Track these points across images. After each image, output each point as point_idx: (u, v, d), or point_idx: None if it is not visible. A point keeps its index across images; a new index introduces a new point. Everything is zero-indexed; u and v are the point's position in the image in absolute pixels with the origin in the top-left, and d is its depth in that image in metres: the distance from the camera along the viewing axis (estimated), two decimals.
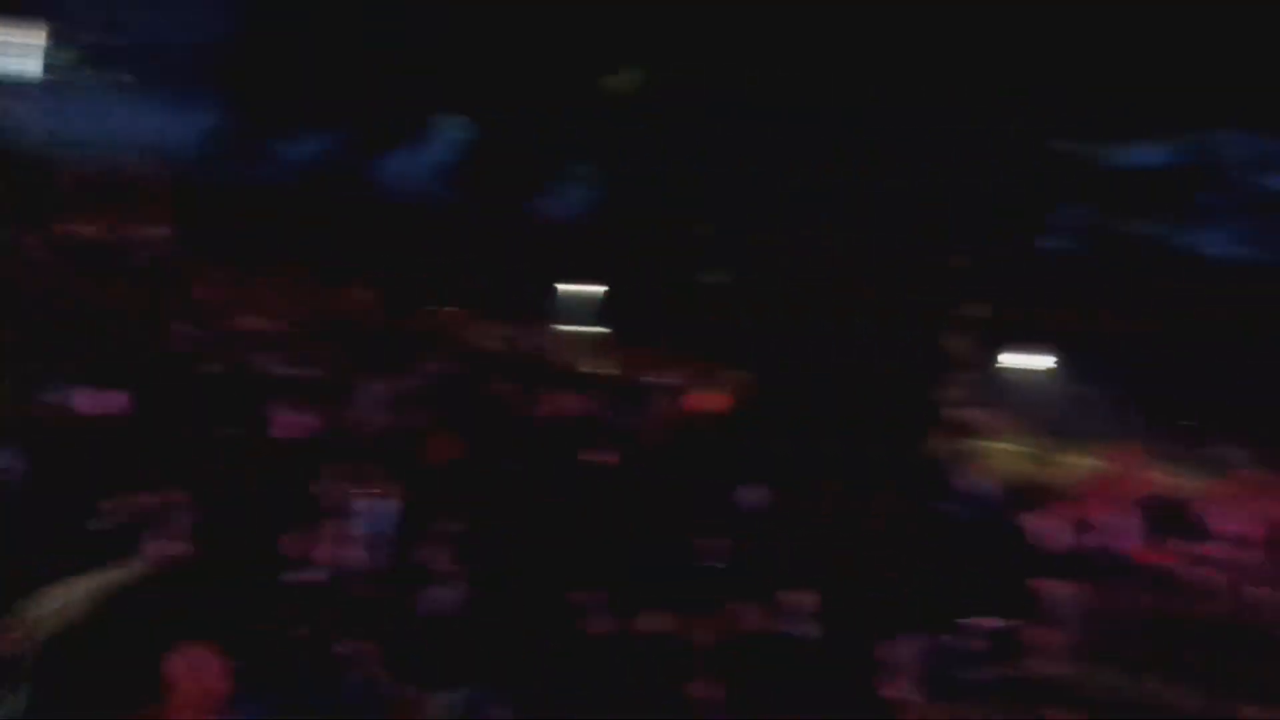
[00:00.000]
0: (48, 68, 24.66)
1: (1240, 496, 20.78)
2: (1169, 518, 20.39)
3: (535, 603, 11.51)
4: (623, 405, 17.04)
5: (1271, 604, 16.12)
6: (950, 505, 17.39)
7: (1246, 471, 20.89)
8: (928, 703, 13.91)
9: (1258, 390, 6.90)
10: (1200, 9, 6.04)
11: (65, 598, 7.23)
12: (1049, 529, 17.73)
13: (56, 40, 24.86)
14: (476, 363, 19.68)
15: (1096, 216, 6.95)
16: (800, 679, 11.39)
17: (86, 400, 14.64)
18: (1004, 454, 24.54)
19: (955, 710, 14.00)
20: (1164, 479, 21.31)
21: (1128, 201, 6.97)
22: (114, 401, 14.73)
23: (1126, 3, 6.18)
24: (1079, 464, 23.45)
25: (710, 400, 16.91)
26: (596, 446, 15.43)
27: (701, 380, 17.55)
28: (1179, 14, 5.97)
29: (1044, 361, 30.13)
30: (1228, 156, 6.86)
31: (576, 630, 11.33)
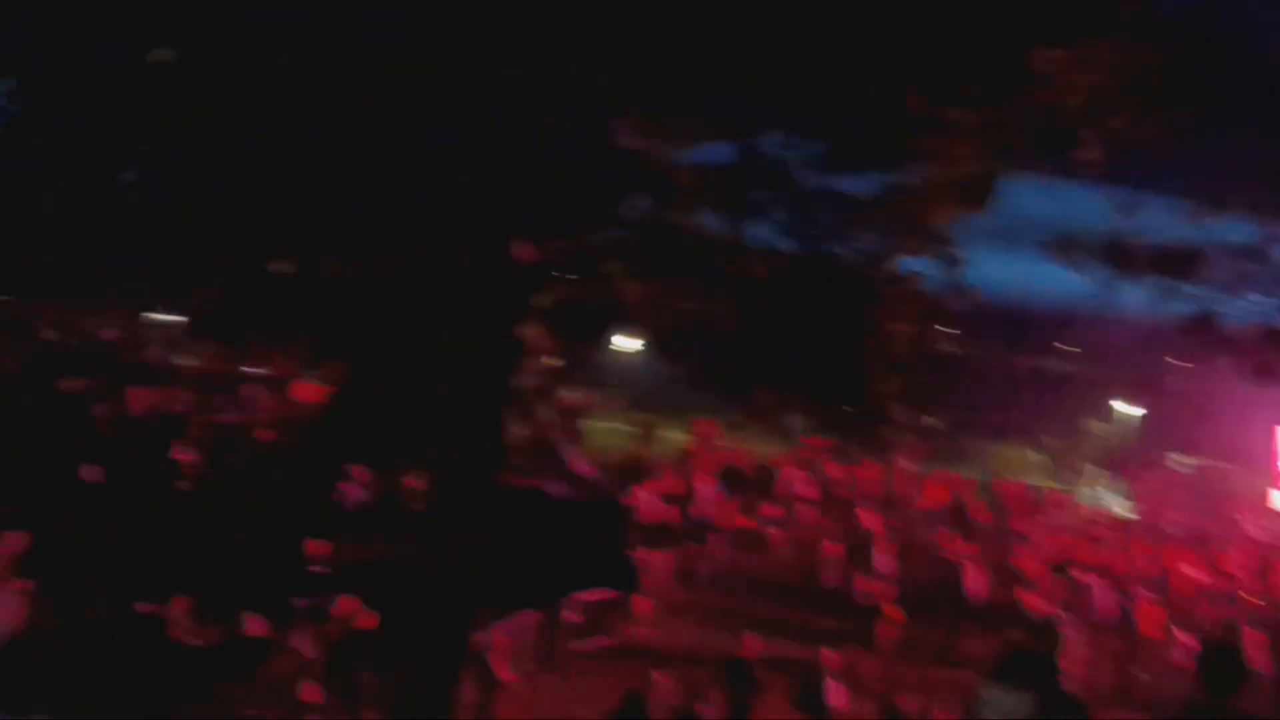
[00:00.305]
0: None
1: (805, 462, 23.11)
2: (747, 484, 22.33)
3: (117, 612, 10.74)
4: (217, 399, 16.22)
5: (835, 557, 17.99)
6: (550, 484, 17.97)
7: (810, 439, 23.26)
8: (530, 676, 14.43)
9: (815, 365, 7.82)
10: (757, 19, 6.71)
11: None
12: (643, 501, 18.78)
13: None
14: (46, 356, 17.91)
15: (660, 209, 7.55)
16: (401, 669, 11.44)
17: None
18: (599, 431, 25.74)
19: (559, 681, 14.64)
20: (741, 449, 23.25)
21: (691, 196, 7.66)
22: None
23: (688, 6, 6.73)
24: (668, 439, 25.07)
25: (310, 391, 16.44)
26: (188, 444, 14.56)
27: (302, 371, 17.00)
28: (733, 21, 6.61)
29: (634, 343, 31.75)
30: (775, 157, 7.70)
31: (164, 640, 10.69)
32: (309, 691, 10.33)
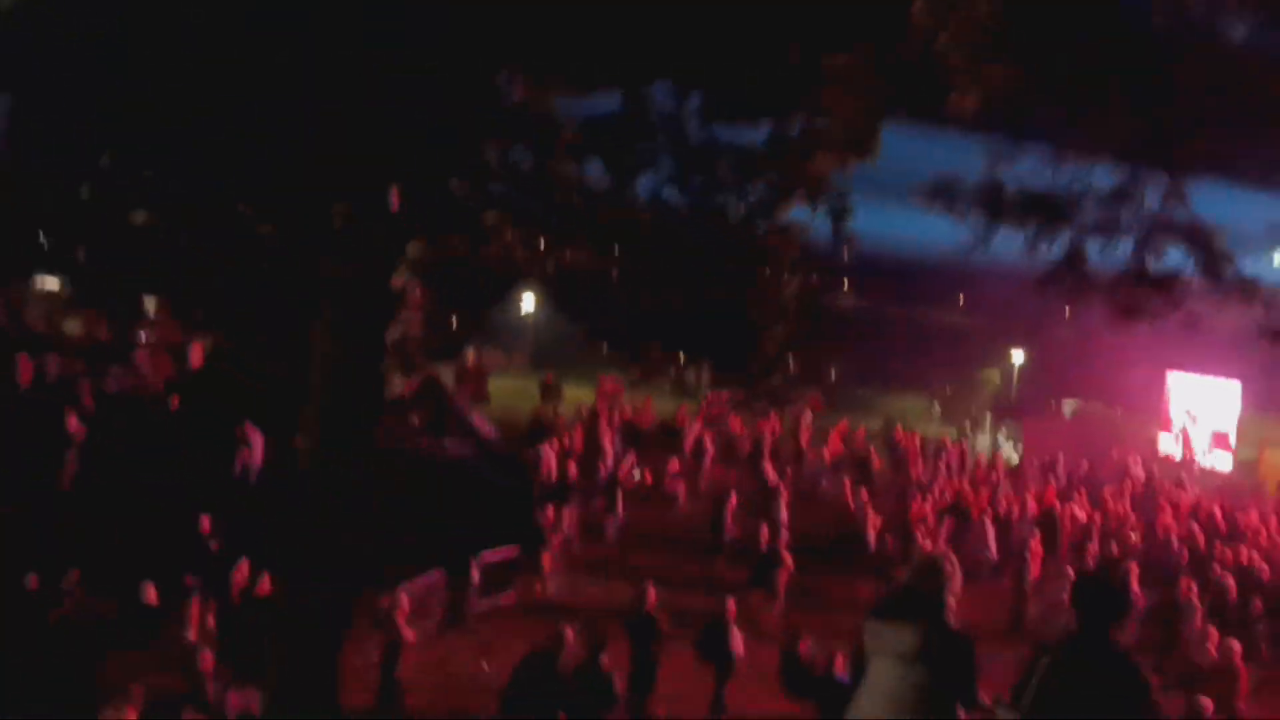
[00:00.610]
0: None
1: (708, 416, 23.37)
2: (650, 439, 22.51)
3: (9, 585, 10.47)
4: (107, 366, 15.70)
5: (737, 509, 18.27)
6: (453, 443, 17.88)
7: (710, 393, 23.52)
8: (437, 634, 14.44)
9: (706, 320, 7.88)
10: None
11: None
12: (548, 459, 18.82)
13: None
14: None
15: (545, 161, 7.46)
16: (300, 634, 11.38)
17: None
18: (503, 390, 25.68)
19: (465, 638, 14.67)
20: (645, 405, 23.40)
21: (577, 147, 7.58)
22: None
23: None
24: (571, 396, 25.11)
25: (203, 356, 16.04)
26: (78, 413, 14.10)
27: (193, 336, 16.56)
28: None
29: (534, 301, 31.63)
30: (661, 108, 7.69)
31: (60, 612, 10.48)
32: (207, 660, 10.19)
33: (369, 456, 7.87)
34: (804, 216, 7.64)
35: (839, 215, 7.62)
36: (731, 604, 13.49)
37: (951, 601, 4.91)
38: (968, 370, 36.14)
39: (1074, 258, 7.09)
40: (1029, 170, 7.07)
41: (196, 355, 15.78)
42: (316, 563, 7.83)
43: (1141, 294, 7.06)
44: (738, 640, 13.26)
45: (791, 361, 7.65)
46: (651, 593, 13.12)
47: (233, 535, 12.48)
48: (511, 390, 26.17)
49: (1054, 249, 7.17)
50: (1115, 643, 4.98)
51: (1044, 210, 6.98)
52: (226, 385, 13.94)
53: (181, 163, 6.35)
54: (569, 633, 11.43)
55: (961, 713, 4.75)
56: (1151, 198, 6.91)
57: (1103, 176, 7.02)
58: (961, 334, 38.29)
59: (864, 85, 6.56)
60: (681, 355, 8.53)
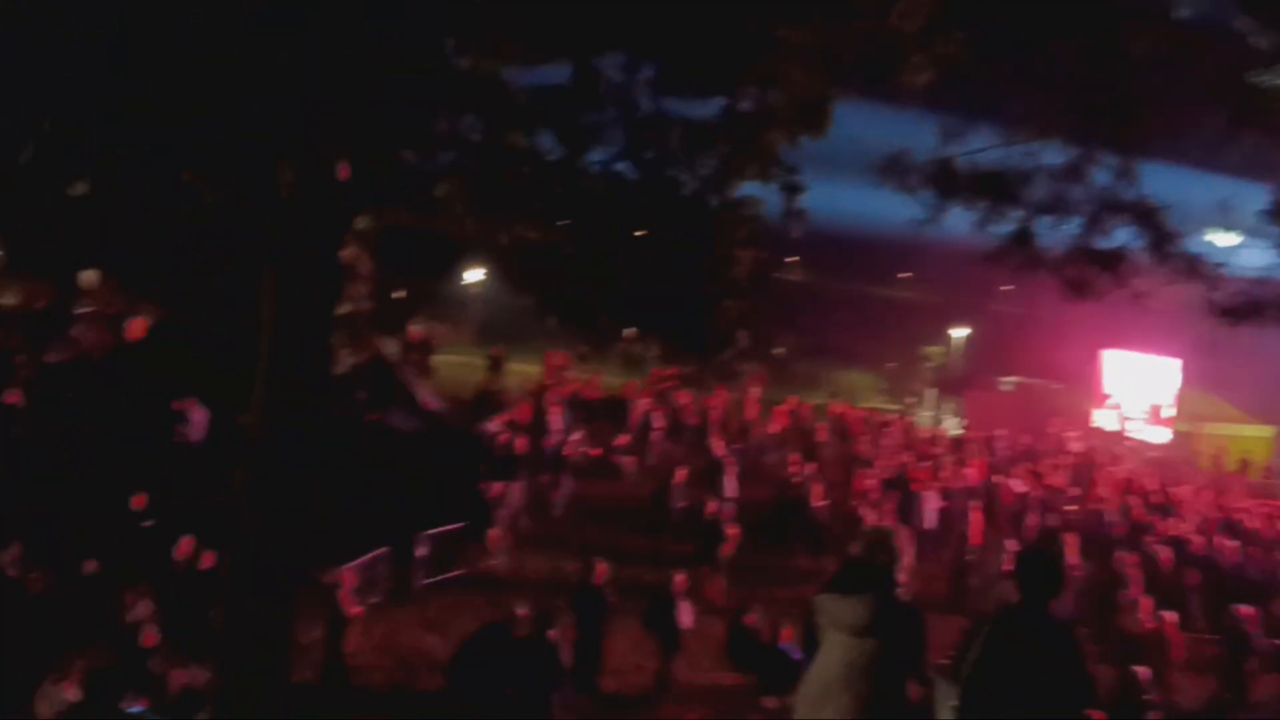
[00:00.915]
0: None
1: (655, 390, 23.36)
2: (598, 413, 22.48)
3: None
4: (45, 338, 15.33)
5: (684, 483, 18.30)
6: (399, 418, 17.71)
7: (657, 368, 23.53)
8: (383, 609, 14.35)
9: (656, 293, 7.86)
10: None
11: None
12: (494, 433, 18.72)
13: None
14: None
15: (496, 131, 7.37)
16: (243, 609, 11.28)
17: None
18: (449, 364, 25.49)
19: (412, 613, 14.61)
20: (592, 379, 23.35)
21: (523, 119, 7.50)
22: None
23: None
24: (518, 370, 24.99)
25: (143, 328, 15.71)
26: (16, 385, 13.76)
27: (134, 307, 16.22)
28: None
29: (480, 274, 31.39)
30: (612, 80, 7.62)
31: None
32: (149, 637, 10.05)
33: (317, 429, 7.77)
34: (757, 191, 7.64)
35: (791, 189, 7.63)
36: (679, 578, 13.57)
37: (901, 575, 4.97)
38: (912, 346, 36.57)
39: (1024, 235, 7.17)
40: (980, 148, 7.14)
41: (137, 327, 15.45)
42: (265, 537, 7.73)
43: (1089, 271, 7.17)
44: (685, 613, 13.35)
45: (743, 336, 7.67)
46: (600, 566, 13.15)
47: (175, 510, 12.28)
48: (457, 364, 25.99)
49: (1004, 226, 7.26)
50: (1053, 615, 5.10)
51: (995, 188, 7.04)
52: (168, 357, 13.70)
53: (125, 130, 6.19)
54: (519, 608, 11.43)
55: (910, 684, 4.82)
56: (1101, 176, 7.01)
57: (1053, 155, 7.11)
58: (906, 310, 38.73)
59: (817, 59, 6.55)
60: (630, 329, 8.50)
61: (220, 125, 6.16)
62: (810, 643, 4.98)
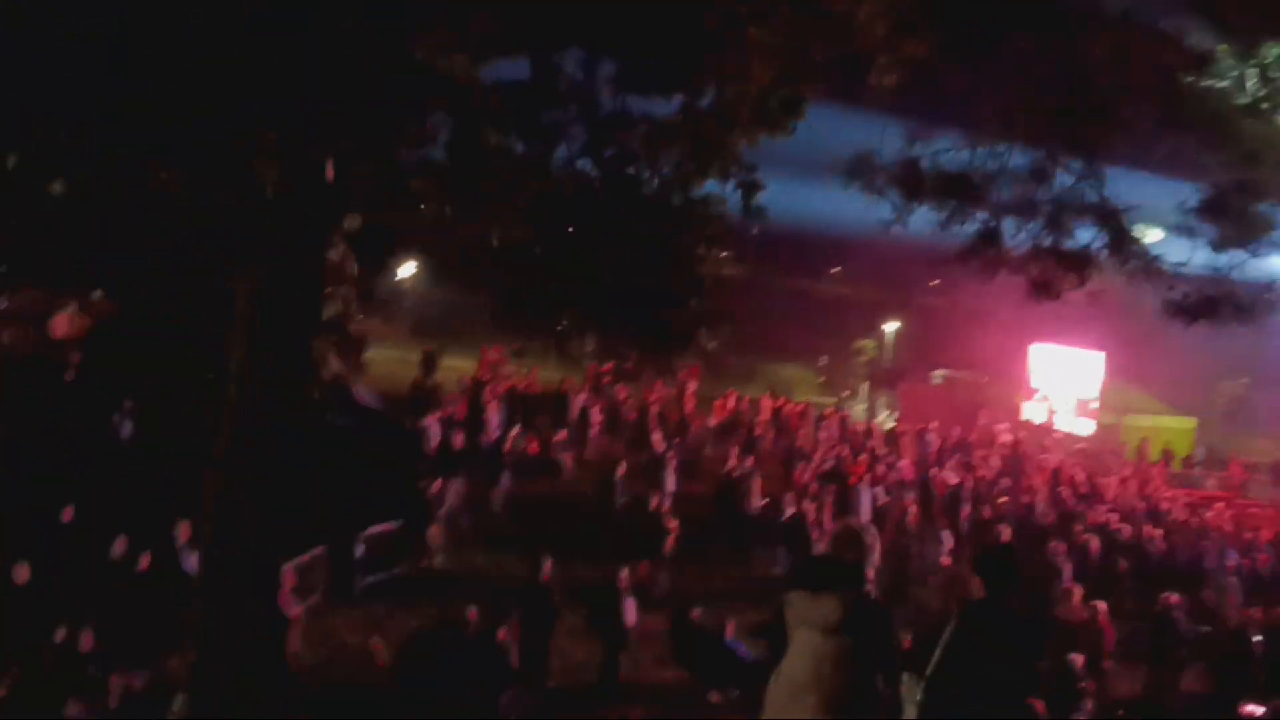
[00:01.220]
0: None
1: (593, 385, 23.33)
2: (536, 409, 22.35)
3: None
4: None
5: (625, 478, 18.29)
6: (335, 416, 17.42)
7: (597, 363, 23.49)
8: (324, 610, 14.11)
9: (617, 289, 7.83)
10: None
11: None
12: (432, 430, 18.54)
13: None
14: None
15: (459, 128, 7.26)
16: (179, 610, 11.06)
17: None
18: (383, 361, 25.16)
19: (354, 613, 14.38)
20: (529, 375, 23.24)
21: (487, 116, 7.40)
22: None
23: None
24: (454, 366, 24.76)
25: (67, 325, 15.30)
26: None
27: (58, 305, 15.77)
28: None
29: (408, 268, 31.03)
30: (573, 76, 7.57)
31: None
32: (86, 641, 9.79)
33: (296, 430, 7.63)
34: (719, 189, 7.64)
35: (750, 188, 7.63)
36: (624, 574, 13.55)
37: (871, 572, 5.01)
38: (846, 340, 36.97)
39: (989, 234, 7.27)
40: (943, 150, 7.21)
41: (60, 325, 15.05)
42: (249, 536, 7.57)
43: (1054, 271, 7.30)
44: (630, 610, 13.34)
45: (706, 335, 7.67)
46: (548, 564, 13.09)
47: (110, 511, 11.97)
48: (391, 360, 25.68)
49: (965, 226, 7.34)
50: (1013, 608, 5.23)
51: (960, 189, 7.12)
52: (105, 356, 13.35)
53: (103, 128, 5.99)
54: (469, 609, 11.34)
55: (879, 681, 4.85)
56: (1064, 178, 7.13)
57: (1017, 157, 7.22)
58: (839, 304, 39.10)
59: (781, 58, 6.56)
60: (583, 324, 8.45)
61: (209, 124, 6.00)
62: (779, 640, 4.98)
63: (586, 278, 7.23)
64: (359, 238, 7.41)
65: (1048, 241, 7.29)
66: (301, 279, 6.99)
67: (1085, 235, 7.53)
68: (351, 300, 7.95)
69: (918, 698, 5.03)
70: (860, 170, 7.30)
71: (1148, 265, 7.23)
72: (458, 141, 7.05)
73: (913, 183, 7.15)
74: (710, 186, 7.65)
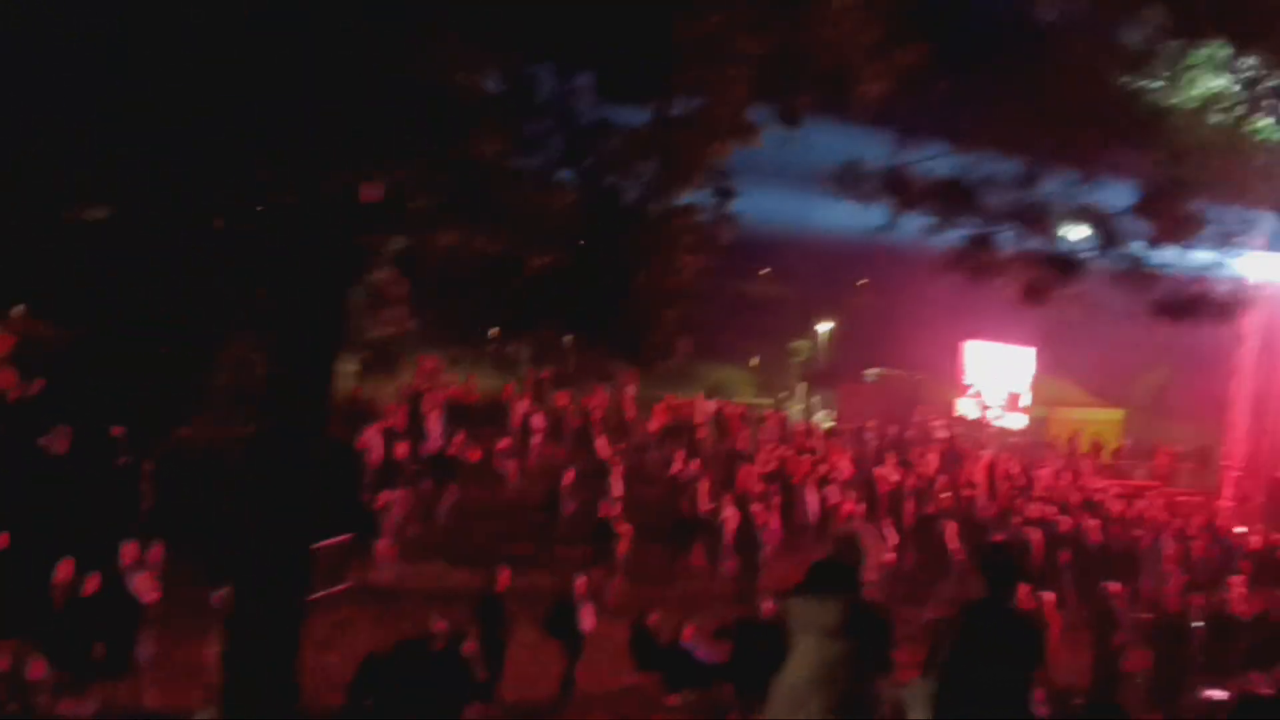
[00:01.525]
0: None
1: (532, 392, 23.19)
2: (476, 417, 22.12)
3: None
4: None
5: (570, 484, 18.21)
6: (271, 428, 16.99)
7: (531, 370, 23.38)
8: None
9: (604, 300, 7.85)
10: None
11: None
12: (372, 442, 18.25)
13: None
14: None
15: (457, 140, 7.19)
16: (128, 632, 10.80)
17: None
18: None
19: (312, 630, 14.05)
20: (467, 383, 23.02)
21: (465, 128, 7.35)
22: None
23: None
24: (393, 377, 24.40)
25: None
26: None
27: None
28: None
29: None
30: (550, 87, 7.55)
31: None
32: (36, 668, 9.49)
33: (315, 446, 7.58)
34: (694, 198, 7.64)
35: (723, 196, 7.65)
36: (581, 582, 13.47)
37: (870, 576, 5.04)
38: (778, 340, 37.20)
39: (981, 240, 7.37)
40: (926, 159, 7.30)
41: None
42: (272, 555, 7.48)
43: (1045, 275, 7.42)
44: (588, 617, 13.27)
45: (683, 345, 7.67)
46: (504, 575, 12.98)
47: (57, 534, 11.62)
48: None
49: (951, 233, 7.43)
50: (1012, 605, 5.31)
51: (947, 197, 7.22)
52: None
53: (139, 157, 5.83)
54: (435, 623, 11.21)
55: (882, 684, 4.89)
56: (1051, 184, 7.25)
57: (1000, 165, 7.32)
58: (772, 305, 39.32)
59: (763, 69, 6.59)
60: (495, 330, 8.46)
61: (253, 144, 5.86)
62: (779, 645, 4.99)
63: (564, 288, 7.20)
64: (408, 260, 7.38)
65: (1033, 245, 7.42)
66: (333, 302, 6.90)
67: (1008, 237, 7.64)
68: (404, 320, 7.95)
69: (926, 699, 5.06)
70: (850, 179, 7.36)
71: (1134, 267, 7.37)
72: (454, 154, 6.99)
73: (902, 190, 7.21)
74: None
